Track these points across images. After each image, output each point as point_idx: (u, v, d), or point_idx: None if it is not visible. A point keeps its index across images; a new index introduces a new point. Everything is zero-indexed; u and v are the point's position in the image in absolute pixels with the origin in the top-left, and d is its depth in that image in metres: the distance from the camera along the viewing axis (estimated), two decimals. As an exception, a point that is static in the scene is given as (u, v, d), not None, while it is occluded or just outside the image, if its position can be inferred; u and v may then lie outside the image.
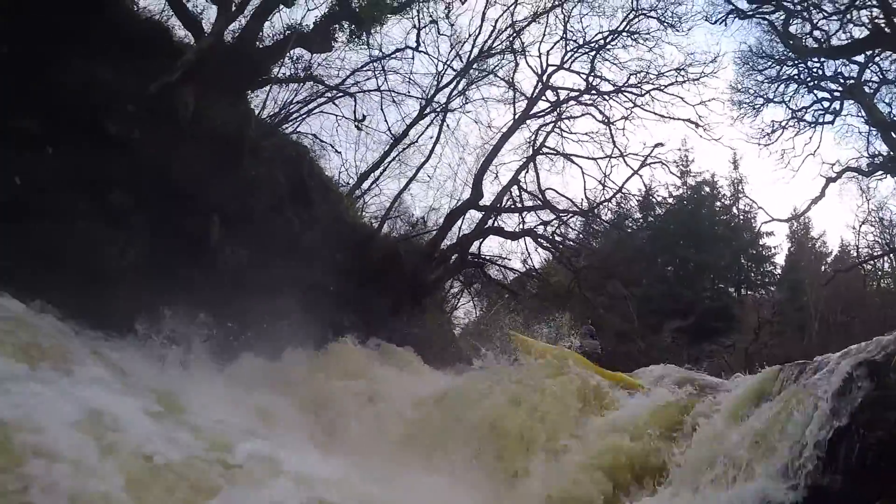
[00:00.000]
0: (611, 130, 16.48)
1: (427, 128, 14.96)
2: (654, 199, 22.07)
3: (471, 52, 14.67)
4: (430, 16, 13.23)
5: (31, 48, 8.28)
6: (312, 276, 11.00)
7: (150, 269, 8.51)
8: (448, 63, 14.47)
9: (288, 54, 11.13)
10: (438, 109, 14.61)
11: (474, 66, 14.87)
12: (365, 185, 15.26)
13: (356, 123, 12.82)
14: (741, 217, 31.63)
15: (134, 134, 8.96)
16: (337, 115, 12.70)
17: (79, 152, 8.35)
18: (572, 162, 16.99)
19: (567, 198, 17.11)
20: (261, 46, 10.84)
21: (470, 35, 14.76)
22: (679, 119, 16.75)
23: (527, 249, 18.99)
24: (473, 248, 16.61)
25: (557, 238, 17.25)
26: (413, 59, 13.70)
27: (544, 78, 16.12)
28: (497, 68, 15.60)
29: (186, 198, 9.24)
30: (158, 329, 8.09)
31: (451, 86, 14.76)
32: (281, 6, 10.44)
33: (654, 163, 16.78)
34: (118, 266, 8.32)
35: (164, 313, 8.21)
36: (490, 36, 14.97)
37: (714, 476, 5.41)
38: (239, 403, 7.68)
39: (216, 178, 9.56)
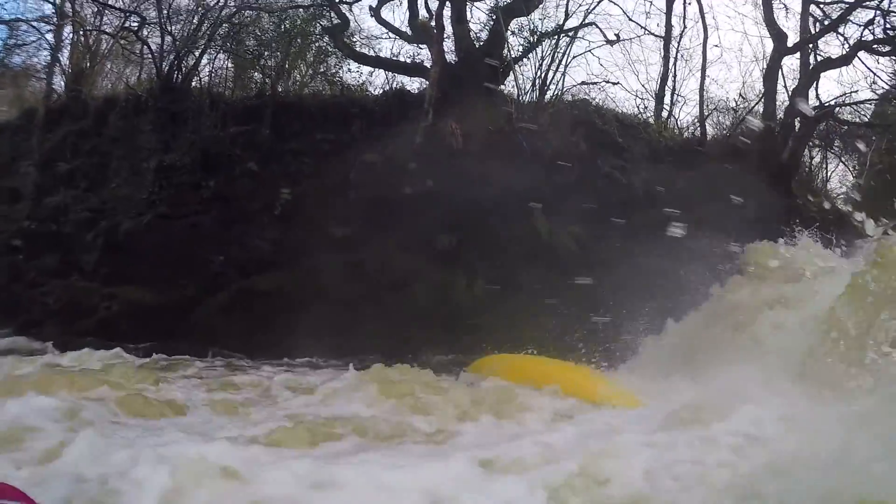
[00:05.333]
0: None
1: (686, 5, 12.77)
2: None
3: None
4: None
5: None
6: (660, 218, 9.90)
7: (496, 296, 8.74)
8: None
9: (508, 31, 10.74)
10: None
11: None
12: (666, 100, 13.51)
13: (610, 43, 11.59)
14: None
15: (427, 184, 9.57)
16: (591, 51, 11.61)
17: (397, 223, 9.38)
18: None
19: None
20: (479, 44, 10.75)
21: None
22: None
23: (866, 67, 14.48)
24: (811, 100, 13.39)
25: (890, 32, 12.92)
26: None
27: None
28: None
29: (504, 210, 9.40)
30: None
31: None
32: (473, 3, 10.30)
33: None
34: (468, 302, 8.72)
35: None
36: None
37: None
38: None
39: (517, 176, 9.44)
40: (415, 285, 9.00)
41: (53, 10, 14.07)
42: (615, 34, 11.44)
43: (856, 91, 15.27)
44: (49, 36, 14.19)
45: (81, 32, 13.95)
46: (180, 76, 11.66)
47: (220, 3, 11.85)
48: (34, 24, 13.92)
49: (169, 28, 11.90)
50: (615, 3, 11.42)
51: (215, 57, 11.95)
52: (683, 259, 9.50)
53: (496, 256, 9.02)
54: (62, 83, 14.15)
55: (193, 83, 11.93)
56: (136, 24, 12.78)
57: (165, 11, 12.04)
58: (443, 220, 9.28)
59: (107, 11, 13.44)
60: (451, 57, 10.57)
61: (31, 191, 11.53)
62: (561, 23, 10.26)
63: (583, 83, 11.05)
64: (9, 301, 10.20)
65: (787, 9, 13.42)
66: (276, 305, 9.02)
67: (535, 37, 10.58)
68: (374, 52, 11.44)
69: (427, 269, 9.10)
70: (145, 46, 12.76)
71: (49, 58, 14.09)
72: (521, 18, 10.89)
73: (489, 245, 9.09)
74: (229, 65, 12.03)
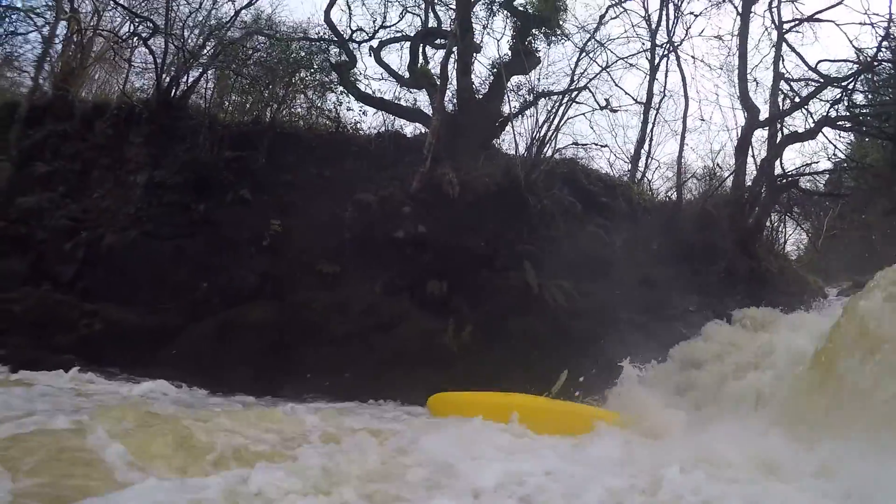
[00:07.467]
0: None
1: (667, 74, 13.61)
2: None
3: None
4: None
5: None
6: (638, 276, 10.38)
7: (484, 344, 8.90)
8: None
9: (507, 87, 11.15)
10: (667, 52, 13.21)
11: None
12: (640, 163, 14.21)
13: (603, 109, 12.19)
14: None
15: (419, 229, 9.75)
16: (584, 114, 12.27)
17: (386, 265, 9.52)
18: (819, 21, 13.61)
19: (845, 60, 13.64)
20: (479, 97, 11.10)
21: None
22: None
23: (828, 140, 15.59)
24: (776, 171, 14.31)
25: (854, 111, 14.00)
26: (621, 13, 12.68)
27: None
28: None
29: (495, 260, 9.63)
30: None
31: (664, 20, 13.37)
32: (475, 54, 10.65)
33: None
34: (455, 348, 8.88)
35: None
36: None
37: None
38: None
39: (509, 229, 9.76)
40: (402, 328, 9.10)
41: (46, 3, 13.51)
42: (605, 99, 12.00)
43: (817, 162, 16.38)
44: (44, 29, 13.57)
45: (76, 30, 13.55)
46: (178, 91, 11.49)
47: (229, 23, 11.76)
48: (30, 14, 13.45)
49: (173, 41, 11.61)
50: (608, 72, 11.99)
51: (218, 76, 11.80)
52: (658, 315, 10.01)
53: (485, 305, 9.21)
54: (45, 80, 13.72)
55: (190, 100, 11.77)
56: (147, 32, 12.37)
57: (172, 22, 11.72)
58: (433, 267, 9.46)
59: (110, 12, 13.11)
60: (449, 106, 10.86)
61: (4, 187, 10.83)
62: (567, 87, 10.71)
63: (574, 143, 11.51)
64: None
65: (757, 83, 14.37)
66: (259, 339, 8.98)
67: (533, 95, 11.00)
68: (374, 91, 11.63)
69: (414, 314, 9.22)
70: (150, 55, 12.25)
71: (40, 51, 13.54)
72: (520, 77, 11.33)
73: (478, 293, 9.29)
74: (230, 86, 11.87)
